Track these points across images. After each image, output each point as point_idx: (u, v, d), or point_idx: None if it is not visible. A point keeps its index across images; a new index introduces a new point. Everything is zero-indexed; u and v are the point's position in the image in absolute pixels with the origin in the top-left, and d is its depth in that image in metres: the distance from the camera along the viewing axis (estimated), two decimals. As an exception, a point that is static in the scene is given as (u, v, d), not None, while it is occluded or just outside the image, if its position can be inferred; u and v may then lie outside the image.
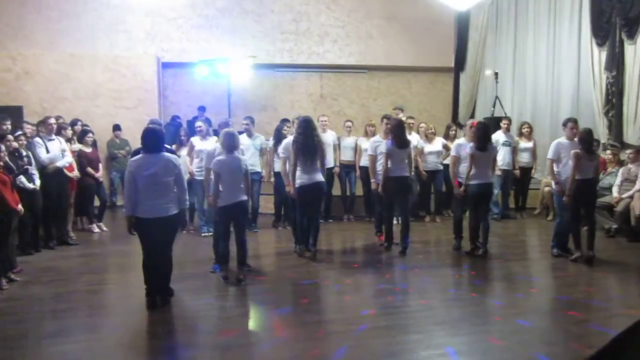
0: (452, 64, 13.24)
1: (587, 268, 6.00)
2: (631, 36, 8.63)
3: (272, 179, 8.27)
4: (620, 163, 8.01)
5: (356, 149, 8.79)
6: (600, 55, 9.29)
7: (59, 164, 7.04)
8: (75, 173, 7.47)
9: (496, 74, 11.21)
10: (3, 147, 5.39)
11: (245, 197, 5.63)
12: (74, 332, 4.36)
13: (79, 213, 8.14)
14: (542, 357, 3.71)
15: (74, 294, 5.32)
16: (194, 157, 7.54)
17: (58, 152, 7.05)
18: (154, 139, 4.78)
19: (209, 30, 12.15)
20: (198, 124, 7.99)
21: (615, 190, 7.68)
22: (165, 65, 11.89)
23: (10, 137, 6.00)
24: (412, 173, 8.18)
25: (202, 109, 11.46)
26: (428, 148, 8.81)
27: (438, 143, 8.82)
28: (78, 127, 8.45)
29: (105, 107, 10.98)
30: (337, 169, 8.78)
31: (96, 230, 8.12)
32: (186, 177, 6.20)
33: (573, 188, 6.04)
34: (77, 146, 7.92)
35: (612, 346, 1.30)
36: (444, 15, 12.00)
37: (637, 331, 1.22)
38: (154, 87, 11.41)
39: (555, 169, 6.37)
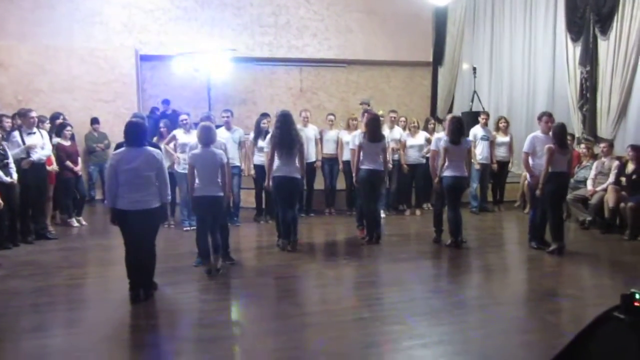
0: (431, 59, 13.42)
1: (561, 259, 6.16)
2: (604, 32, 8.80)
3: (252, 172, 8.29)
4: (595, 157, 8.20)
5: (338, 143, 8.84)
6: (574, 50, 9.45)
7: (35, 157, 6.93)
8: (54, 167, 7.38)
9: (474, 68, 11.36)
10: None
11: (221, 193, 5.61)
12: (55, 326, 4.34)
13: (57, 207, 8.05)
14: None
15: (54, 288, 5.27)
16: (178, 150, 7.51)
17: (39, 145, 6.95)
18: (136, 133, 4.76)
19: (187, 22, 12.09)
20: (183, 117, 7.95)
21: (589, 183, 7.88)
22: (144, 58, 11.80)
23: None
24: (390, 166, 8.37)
25: (166, 102, 11.36)
26: (410, 142, 8.91)
27: (421, 137, 8.92)
28: (59, 121, 8.34)
29: (83, 100, 10.85)
30: (318, 163, 8.83)
31: (75, 224, 8.05)
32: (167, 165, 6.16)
33: (545, 181, 6.19)
34: (55, 140, 7.82)
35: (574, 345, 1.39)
36: (422, 10, 12.14)
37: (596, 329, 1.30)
38: (132, 80, 11.30)
39: (530, 162, 6.52)
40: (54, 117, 8.41)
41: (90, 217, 8.65)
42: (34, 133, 7.03)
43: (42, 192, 7.18)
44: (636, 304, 1.63)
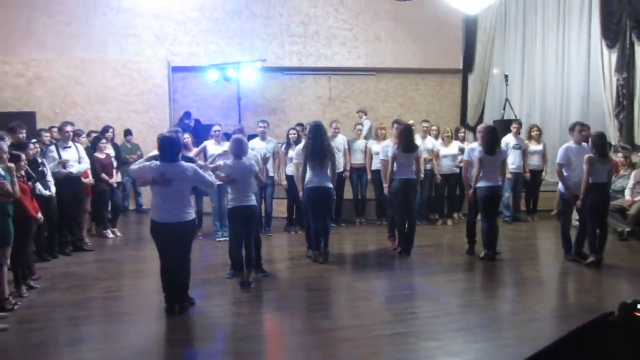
0: (461, 66, 13.26)
1: (599, 272, 6.01)
2: (642, 38, 8.62)
3: (285, 183, 8.33)
4: (633, 166, 8.01)
5: (366, 152, 8.82)
6: (610, 57, 9.29)
7: (74, 170, 7.10)
8: (90, 179, 7.54)
9: (506, 76, 11.21)
10: (24, 157, 5.45)
11: (254, 203, 5.69)
12: (94, 340, 4.41)
13: (94, 219, 8.22)
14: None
15: (92, 301, 5.38)
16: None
17: (74, 159, 7.11)
18: (170, 148, 4.82)
19: (218, 33, 12.22)
20: (216, 128, 8.01)
21: (627, 193, 7.68)
22: (175, 70, 11.97)
23: (31, 145, 6.07)
24: (422, 177, 8.32)
25: (187, 115, 11.35)
26: (444, 151, 8.83)
27: (454, 146, 8.82)
28: (110, 134, 8.56)
29: (117, 111, 11.06)
30: (347, 174, 8.82)
31: (111, 235, 8.19)
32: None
33: (587, 192, 6.06)
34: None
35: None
36: (452, 17, 12.01)
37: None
38: (164, 92, 11.49)
39: (565, 173, 6.39)
40: (105, 130, 8.65)
41: (125, 228, 8.79)
42: (70, 147, 7.19)
43: (79, 205, 7.33)
44: (637, 314, 1.58)
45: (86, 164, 7.37)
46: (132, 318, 4.93)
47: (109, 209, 8.29)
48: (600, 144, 6.10)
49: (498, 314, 4.92)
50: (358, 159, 8.92)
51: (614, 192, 7.82)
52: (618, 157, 8.39)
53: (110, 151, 8.39)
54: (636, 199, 7.51)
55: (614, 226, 7.71)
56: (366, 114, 10.44)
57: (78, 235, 7.35)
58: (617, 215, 7.69)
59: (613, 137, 9.18)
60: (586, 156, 6.07)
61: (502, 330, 4.46)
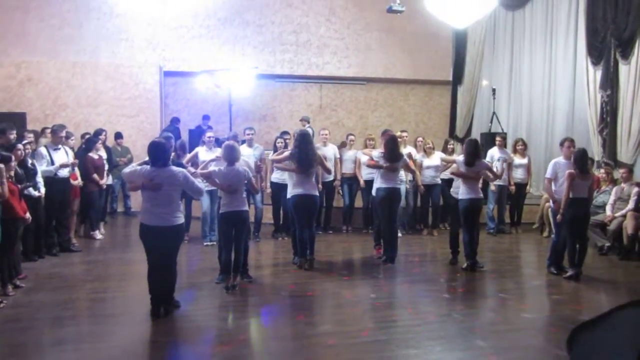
0: (450, 77, 13.45)
1: (579, 285, 6.15)
2: (625, 56, 8.83)
3: (269, 190, 8.42)
4: (614, 181, 8.17)
5: (356, 162, 8.96)
6: (595, 74, 9.48)
7: (61, 174, 7.14)
8: (79, 181, 7.58)
9: (494, 90, 11.39)
10: (13, 158, 5.49)
11: (245, 208, 5.80)
12: (78, 340, 4.45)
13: (83, 221, 8.24)
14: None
15: (77, 302, 5.43)
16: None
17: (63, 161, 7.16)
18: (159, 152, 4.89)
19: (210, 40, 12.31)
20: (209, 134, 8.13)
21: (608, 208, 7.84)
22: (167, 74, 12.04)
23: (20, 146, 6.10)
24: (408, 185, 8.50)
25: (206, 117, 11.54)
26: (426, 162, 8.96)
27: (436, 157, 8.96)
28: (103, 137, 8.61)
29: (107, 115, 11.10)
30: (337, 182, 8.93)
31: (98, 236, 8.20)
32: None
33: (566, 207, 6.21)
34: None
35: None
36: (442, 29, 12.19)
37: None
38: (155, 96, 11.55)
39: (553, 187, 6.55)
40: (97, 132, 8.70)
41: (113, 230, 8.83)
42: (59, 149, 7.24)
43: (66, 206, 7.38)
44: None
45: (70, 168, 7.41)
46: (117, 319, 4.99)
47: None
48: (581, 159, 6.25)
49: (476, 323, 5.02)
50: (348, 168, 9.05)
51: (595, 207, 7.99)
52: (600, 173, 8.57)
53: (102, 153, 8.45)
54: (616, 215, 7.67)
55: (595, 240, 7.87)
56: (308, 122, 10.65)
57: (65, 236, 7.38)
58: (597, 230, 7.85)
59: (596, 152, 9.36)
60: (567, 172, 6.23)
61: (480, 340, 4.55)
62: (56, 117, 10.33)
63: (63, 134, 7.31)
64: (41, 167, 6.79)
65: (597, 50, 9.39)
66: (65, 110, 10.90)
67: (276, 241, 8.45)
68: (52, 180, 6.95)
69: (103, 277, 6.35)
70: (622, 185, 7.84)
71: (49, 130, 7.66)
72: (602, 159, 9.07)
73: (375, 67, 13.19)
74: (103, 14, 11.57)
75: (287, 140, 8.29)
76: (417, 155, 9.03)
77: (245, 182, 5.80)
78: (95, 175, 7.95)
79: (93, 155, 8.04)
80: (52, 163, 7.02)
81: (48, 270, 6.48)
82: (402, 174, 7.54)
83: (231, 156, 5.74)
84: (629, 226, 7.30)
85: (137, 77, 11.47)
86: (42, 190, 6.59)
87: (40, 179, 6.60)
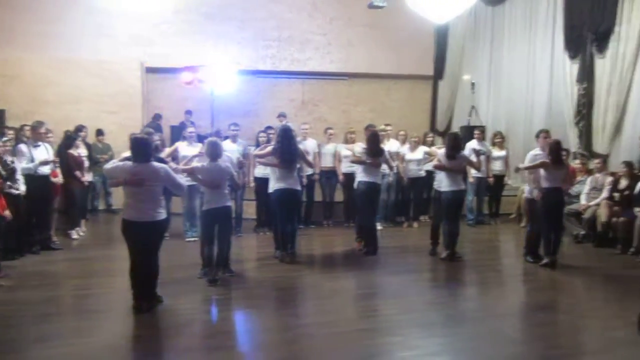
0: (432, 72, 13.60)
1: (555, 273, 6.30)
2: (601, 50, 8.99)
3: (252, 184, 8.46)
4: (589, 172, 8.35)
5: (336, 156, 9.03)
6: (572, 68, 9.64)
7: (41, 171, 7.11)
8: (59, 179, 7.55)
9: (473, 84, 11.54)
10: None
11: (229, 203, 5.87)
12: (61, 336, 4.45)
13: (70, 219, 8.20)
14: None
15: (61, 298, 5.46)
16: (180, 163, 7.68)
17: (44, 158, 7.14)
18: (141, 148, 4.92)
19: (192, 36, 12.28)
20: (190, 129, 8.16)
21: (583, 198, 8.03)
22: (149, 70, 12.00)
23: (-1, 142, 6.09)
24: (391, 179, 8.62)
25: (189, 112, 11.57)
26: (409, 156, 9.07)
27: (420, 151, 9.06)
28: (83, 133, 8.56)
29: (88, 111, 11.02)
30: (316, 176, 9.01)
31: (75, 236, 8.13)
32: None
33: (542, 196, 6.38)
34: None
35: None
36: (423, 24, 12.22)
37: None
38: (137, 92, 11.52)
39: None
40: (78, 129, 8.64)
41: (94, 227, 8.81)
42: (40, 146, 7.21)
43: (47, 204, 7.34)
44: None
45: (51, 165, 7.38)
46: (101, 315, 5.01)
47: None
48: (555, 150, 6.41)
49: (457, 311, 5.15)
50: (327, 162, 9.12)
51: (571, 196, 8.17)
52: (576, 164, 8.76)
53: (83, 150, 8.42)
54: (591, 204, 7.85)
55: (570, 229, 8.05)
56: (285, 117, 10.61)
57: (46, 234, 7.36)
58: (572, 219, 8.04)
59: (573, 144, 9.53)
60: (540, 160, 6.41)
61: (459, 326, 4.68)
62: (36, 113, 10.18)
63: (43, 130, 7.27)
64: (21, 165, 6.76)
65: (574, 45, 9.55)
66: (46, 106, 10.79)
67: (258, 236, 8.50)
68: (32, 178, 6.91)
69: (85, 274, 6.36)
70: (597, 175, 8.02)
71: (27, 127, 7.59)
72: (579, 150, 9.25)
73: (357, 62, 13.26)
74: (84, 10, 11.47)
75: (270, 135, 8.34)
76: (401, 149, 9.14)
77: (228, 178, 5.86)
78: (77, 173, 7.92)
79: (73, 152, 8.01)
80: (33, 160, 6.98)
81: (30, 268, 6.46)
82: (384, 167, 7.64)
83: (214, 152, 5.79)
84: (602, 214, 7.49)
85: (119, 73, 11.43)
86: (23, 187, 6.57)
87: (20, 177, 6.58)
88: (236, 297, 5.57)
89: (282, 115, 10.73)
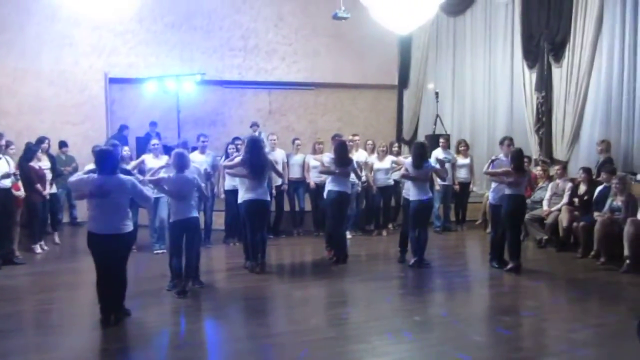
0: (396, 82, 13.81)
1: (519, 277, 6.47)
2: (557, 60, 9.33)
3: (223, 196, 8.43)
4: (550, 178, 8.61)
5: (304, 166, 9.08)
6: (530, 77, 9.97)
7: (1, 184, 6.95)
8: (21, 192, 7.38)
9: (437, 93, 11.77)
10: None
11: (195, 214, 5.83)
12: (26, 352, 4.36)
13: (31, 233, 8.00)
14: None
15: (23, 314, 5.32)
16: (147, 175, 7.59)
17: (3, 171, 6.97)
18: (106, 160, 4.87)
19: (157, 45, 12.20)
20: (154, 141, 8.10)
21: (545, 203, 8.26)
22: (113, 81, 11.84)
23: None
24: (359, 189, 8.70)
25: (153, 124, 11.44)
26: (377, 165, 9.17)
27: (388, 160, 9.16)
28: (45, 145, 8.38)
29: (50, 122, 10.82)
30: (285, 186, 9.03)
31: (39, 250, 7.95)
32: None
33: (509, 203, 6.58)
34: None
35: None
36: (387, 35, 12.44)
37: None
38: (101, 103, 11.36)
39: (493, 184, 6.99)
40: (40, 140, 8.45)
41: (59, 240, 8.62)
42: (0, 158, 7.04)
43: (9, 217, 7.16)
44: None
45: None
46: (66, 329, 4.92)
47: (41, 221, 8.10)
48: (517, 158, 6.59)
49: (424, 317, 5.22)
50: (295, 172, 9.16)
51: (533, 202, 8.41)
52: (537, 170, 9.02)
53: (46, 162, 8.25)
54: (552, 209, 8.09)
55: (533, 234, 8.28)
56: (258, 126, 10.97)
57: (8, 248, 7.17)
58: (535, 224, 8.26)
59: (534, 150, 9.83)
60: (503, 169, 6.60)
61: (426, 332, 4.76)
62: (-4, 125, 10.00)
63: (2, 142, 7.11)
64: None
65: (532, 54, 9.88)
66: (6, 117, 10.54)
67: (227, 247, 8.47)
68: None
69: (49, 288, 6.21)
70: (557, 181, 8.27)
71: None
72: (539, 157, 9.53)
73: (323, 72, 13.38)
74: (45, 18, 11.27)
75: (239, 146, 8.33)
76: (369, 158, 9.25)
77: (196, 189, 5.84)
78: (38, 186, 7.75)
79: (34, 164, 7.84)
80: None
81: (-9, 283, 6.29)
82: (353, 177, 7.72)
83: (180, 164, 5.77)
84: (564, 219, 7.72)
85: (82, 83, 11.26)
86: (-17, 201, 6.40)
87: (-20, 190, 6.41)
88: (206, 308, 5.53)
89: (255, 125, 10.76)
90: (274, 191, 8.33)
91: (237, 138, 8.60)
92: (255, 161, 6.58)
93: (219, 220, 8.90)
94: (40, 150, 8.09)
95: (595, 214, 7.26)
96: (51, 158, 8.64)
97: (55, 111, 10.97)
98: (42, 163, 8.17)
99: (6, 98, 10.69)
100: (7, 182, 7.00)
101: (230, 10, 12.74)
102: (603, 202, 7.28)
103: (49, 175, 8.24)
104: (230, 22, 12.74)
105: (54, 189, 8.46)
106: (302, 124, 13.40)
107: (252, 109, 13.14)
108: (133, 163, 7.66)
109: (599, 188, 7.51)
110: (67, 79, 11.13)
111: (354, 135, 9.47)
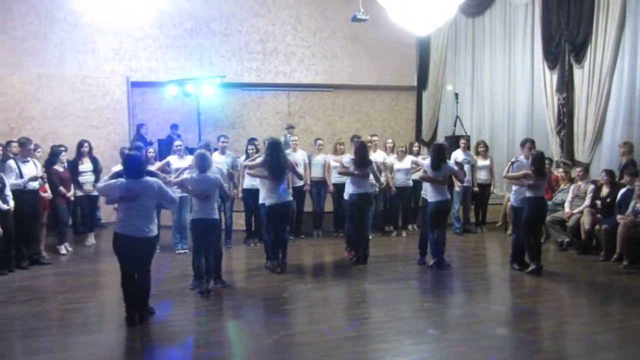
0: (415, 83, 13.81)
1: (540, 279, 6.43)
2: (578, 61, 9.24)
3: (240, 195, 8.52)
4: (572, 180, 8.52)
5: (325, 167, 9.14)
6: (551, 78, 9.87)
7: (30, 186, 7.11)
8: (48, 194, 7.55)
9: (456, 94, 11.75)
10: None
11: (216, 216, 5.91)
12: (53, 350, 4.47)
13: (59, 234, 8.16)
14: (498, 362, 4.06)
15: (50, 313, 5.44)
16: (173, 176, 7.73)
17: (33, 174, 7.14)
18: (134, 165, 4.98)
19: (176, 50, 12.38)
20: (177, 143, 8.23)
21: (566, 206, 8.17)
22: (134, 85, 12.04)
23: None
24: (377, 189, 8.70)
25: (174, 126, 11.60)
26: (397, 165, 9.18)
27: (407, 161, 9.16)
28: (85, 149, 8.55)
29: (74, 126, 11.04)
30: (307, 187, 9.09)
31: (63, 251, 8.10)
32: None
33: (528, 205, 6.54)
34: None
35: None
36: (405, 36, 12.49)
37: None
38: (123, 107, 11.55)
39: (514, 187, 6.94)
40: (80, 144, 8.63)
41: (83, 242, 8.79)
42: (28, 161, 7.23)
43: (36, 218, 7.34)
44: None
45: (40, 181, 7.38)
46: (92, 328, 5.03)
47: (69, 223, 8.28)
48: (538, 161, 6.55)
49: (444, 317, 5.24)
50: (317, 173, 9.21)
51: (555, 204, 8.34)
52: (559, 172, 8.94)
53: (88, 164, 8.47)
54: (574, 211, 8.01)
55: (555, 237, 8.21)
56: (293, 128, 10.92)
57: (35, 249, 7.34)
58: (557, 226, 8.20)
59: (555, 152, 9.75)
60: (523, 172, 6.57)
61: (447, 333, 4.77)
62: (22, 129, 10.24)
63: (32, 146, 7.31)
64: (10, 180, 6.77)
65: (553, 55, 9.79)
66: (31, 122, 10.80)
67: (248, 247, 8.55)
68: (21, 193, 6.94)
69: (75, 288, 6.34)
70: (579, 183, 8.19)
71: (14, 144, 7.58)
72: (561, 159, 9.45)
73: (341, 74, 13.45)
74: (67, 25, 11.53)
75: (258, 146, 8.42)
76: (389, 158, 9.26)
77: (218, 189, 5.92)
78: (61, 188, 7.92)
79: (58, 167, 8.01)
80: (21, 176, 7.00)
81: (19, 283, 6.44)
82: (372, 177, 7.73)
83: (202, 164, 5.86)
84: (585, 222, 7.64)
85: (104, 88, 11.45)
86: (11, 203, 6.58)
87: (9, 192, 6.58)
88: (228, 307, 5.61)
89: (290, 127, 10.77)
90: (290, 191, 8.37)
91: (253, 139, 8.68)
92: (276, 163, 6.65)
93: (239, 221, 8.99)
94: (62, 154, 8.24)
95: (618, 216, 7.16)
96: (93, 160, 8.76)
97: (79, 115, 11.19)
98: (84, 166, 8.43)
99: (31, 104, 10.93)
100: (35, 185, 7.17)
101: (249, 14, 12.87)
102: (626, 204, 7.19)
103: (91, 177, 8.42)
104: (248, 26, 12.87)
105: (79, 192, 8.54)
106: (321, 125, 13.48)
107: (271, 111, 13.26)
108: (158, 164, 7.79)
109: (622, 190, 7.42)
110: (89, 84, 11.34)
111: (372, 135, 9.50)
